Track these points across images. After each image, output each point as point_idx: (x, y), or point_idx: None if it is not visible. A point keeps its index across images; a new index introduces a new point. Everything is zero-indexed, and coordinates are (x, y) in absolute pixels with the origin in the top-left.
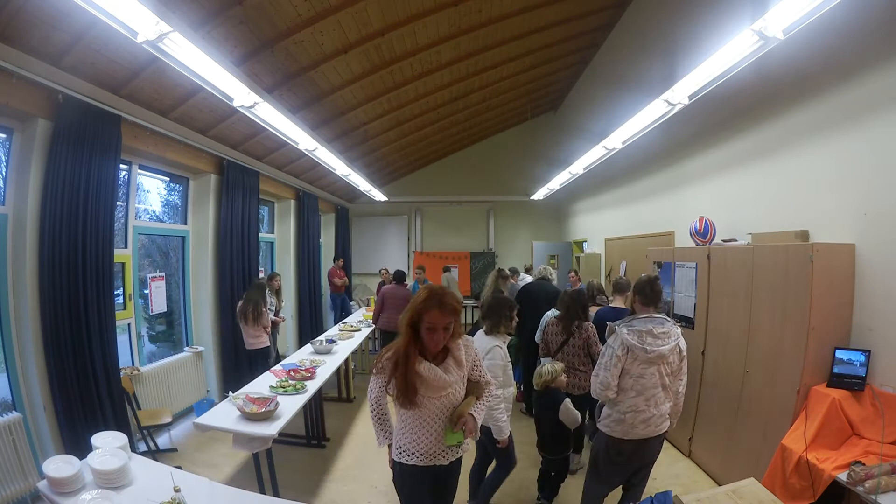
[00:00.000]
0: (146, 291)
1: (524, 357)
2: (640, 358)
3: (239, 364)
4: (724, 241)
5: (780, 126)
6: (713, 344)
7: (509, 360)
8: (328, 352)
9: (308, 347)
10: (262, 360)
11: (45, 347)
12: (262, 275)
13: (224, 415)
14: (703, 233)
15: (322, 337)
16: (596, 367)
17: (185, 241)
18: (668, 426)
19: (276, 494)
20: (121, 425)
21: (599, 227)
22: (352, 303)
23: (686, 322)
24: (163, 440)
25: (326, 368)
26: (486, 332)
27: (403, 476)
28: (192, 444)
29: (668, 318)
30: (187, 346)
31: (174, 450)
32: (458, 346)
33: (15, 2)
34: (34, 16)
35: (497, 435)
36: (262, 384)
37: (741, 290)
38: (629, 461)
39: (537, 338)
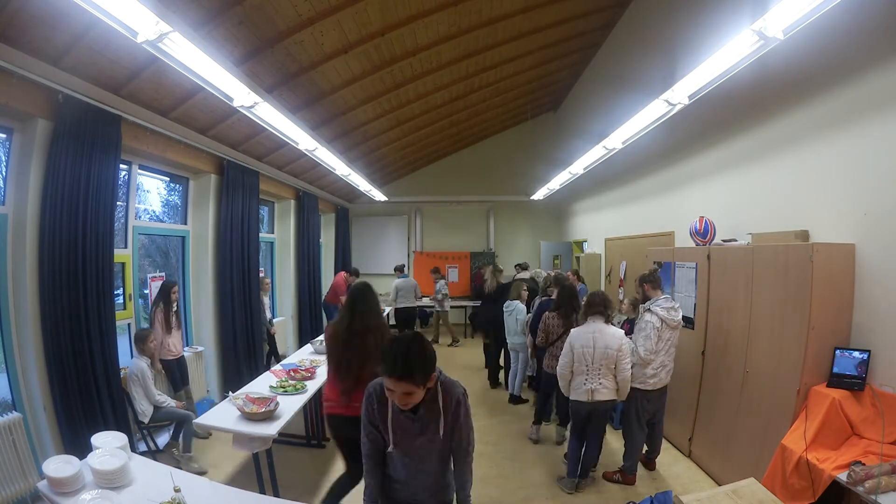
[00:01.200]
0: (146, 291)
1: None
2: (669, 326)
3: (239, 364)
4: (724, 241)
5: (780, 126)
6: (713, 344)
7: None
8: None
9: (308, 347)
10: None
11: (45, 347)
12: (262, 274)
13: (224, 415)
14: (703, 233)
15: (322, 337)
16: (638, 341)
17: (185, 241)
18: None
19: (276, 494)
20: (121, 425)
21: (599, 227)
22: None
23: (686, 322)
24: (163, 440)
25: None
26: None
27: None
28: (192, 443)
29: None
30: (187, 346)
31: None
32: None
33: (15, 2)
34: (34, 16)
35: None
36: (262, 384)
37: (741, 291)
38: (656, 405)
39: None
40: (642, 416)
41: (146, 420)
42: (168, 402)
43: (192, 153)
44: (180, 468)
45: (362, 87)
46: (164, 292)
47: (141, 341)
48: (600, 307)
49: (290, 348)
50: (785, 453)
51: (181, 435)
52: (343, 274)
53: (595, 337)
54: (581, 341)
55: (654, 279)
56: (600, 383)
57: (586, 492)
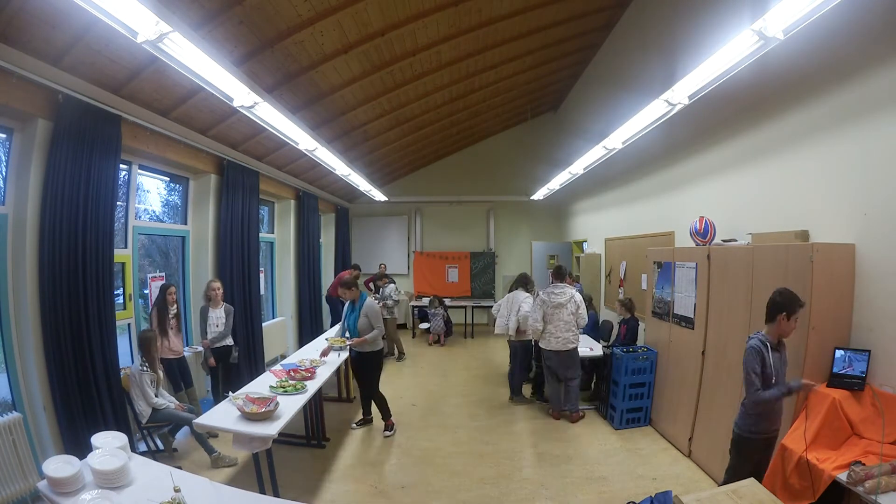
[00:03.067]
0: (146, 291)
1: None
2: (549, 304)
3: (238, 364)
4: (724, 241)
5: (780, 126)
6: (713, 344)
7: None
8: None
9: (312, 345)
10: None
11: (45, 347)
12: (262, 275)
13: (224, 415)
14: (703, 233)
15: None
16: (531, 313)
17: (185, 241)
18: (574, 346)
19: (276, 494)
20: (121, 425)
21: (599, 227)
22: None
23: (686, 322)
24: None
25: (326, 368)
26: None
27: None
28: (192, 444)
29: (568, 286)
30: (187, 346)
31: (174, 450)
32: None
33: (15, 2)
34: (34, 16)
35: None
36: (262, 384)
37: (741, 290)
38: (555, 363)
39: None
40: (546, 369)
41: (144, 420)
42: (168, 405)
43: (192, 153)
44: (218, 467)
45: (362, 88)
46: (160, 294)
47: (141, 343)
48: (517, 283)
49: (290, 348)
50: (785, 453)
51: (196, 438)
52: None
53: (510, 298)
54: (505, 300)
55: (557, 274)
56: (508, 325)
57: (585, 492)
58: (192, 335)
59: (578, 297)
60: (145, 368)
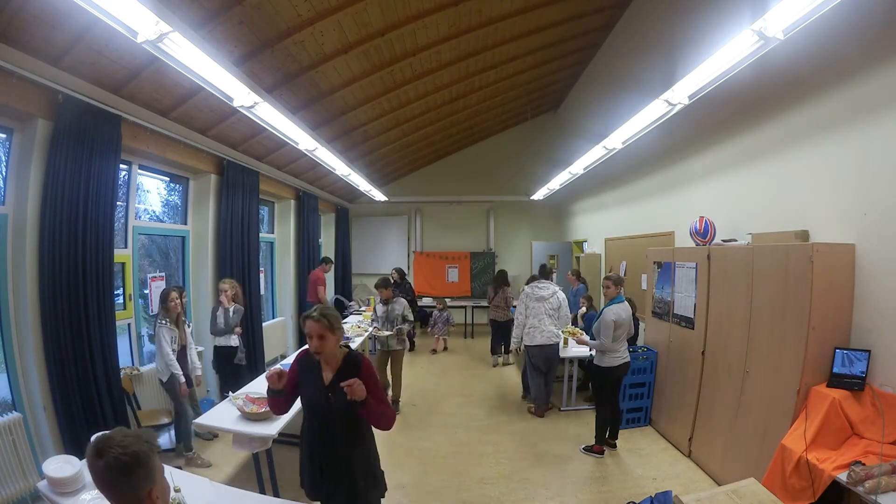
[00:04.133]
0: (146, 291)
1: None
2: (532, 298)
3: (239, 364)
4: (724, 241)
5: (780, 126)
6: (713, 344)
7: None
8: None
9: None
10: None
11: (45, 347)
12: (261, 275)
13: (224, 415)
14: (703, 233)
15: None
16: (517, 309)
17: (185, 241)
18: (560, 341)
19: (276, 494)
20: (121, 425)
21: (599, 227)
22: (352, 303)
23: (686, 322)
24: (163, 440)
25: None
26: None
27: None
28: (199, 443)
29: (552, 283)
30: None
31: (174, 450)
32: None
33: (15, 2)
34: (34, 16)
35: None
36: (262, 384)
37: (741, 291)
38: (540, 358)
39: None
40: (529, 361)
41: (164, 380)
42: (178, 375)
43: (192, 153)
44: (186, 466)
45: (362, 88)
46: (162, 301)
47: (162, 299)
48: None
49: (290, 348)
50: (785, 453)
51: (179, 434)
52: (318, 270)
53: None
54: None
55: (542, 272)
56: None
57: (585, 492)
58: (192, 335)
59: (562, 295)
60: (164, 322)
